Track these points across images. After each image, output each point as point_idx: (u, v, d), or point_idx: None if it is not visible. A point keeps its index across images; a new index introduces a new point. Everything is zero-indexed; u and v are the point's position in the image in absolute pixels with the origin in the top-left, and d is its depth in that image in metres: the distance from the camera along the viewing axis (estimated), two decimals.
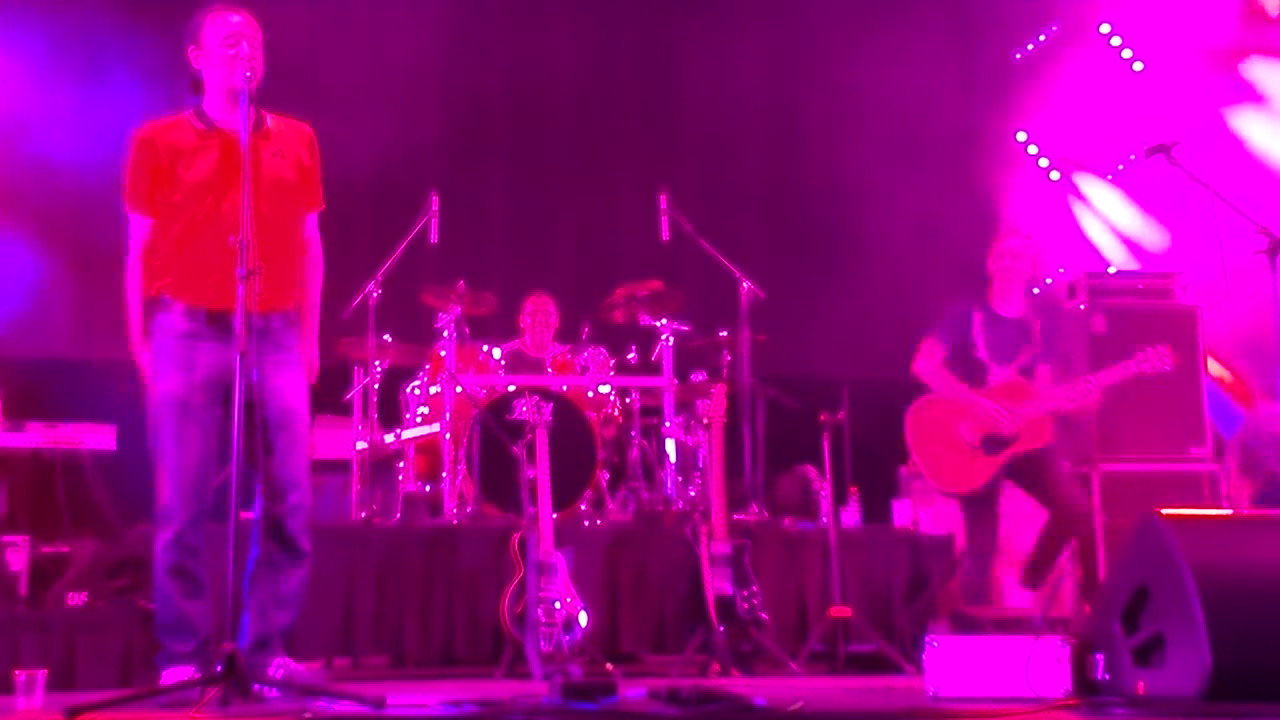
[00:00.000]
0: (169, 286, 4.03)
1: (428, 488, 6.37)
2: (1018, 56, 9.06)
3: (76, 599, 5.12)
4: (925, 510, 6.36)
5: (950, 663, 3.82)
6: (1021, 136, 9.10)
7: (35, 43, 7.63)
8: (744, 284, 6.49)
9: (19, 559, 5.83)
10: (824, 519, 5.96)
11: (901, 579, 5.78)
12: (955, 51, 8.86)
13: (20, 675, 3.64)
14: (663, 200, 6.63)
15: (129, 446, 5.49)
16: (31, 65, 7.61)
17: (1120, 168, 8.68)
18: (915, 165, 8.56)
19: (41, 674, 3.67)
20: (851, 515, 6.47)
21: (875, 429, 6.65)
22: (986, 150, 8.75)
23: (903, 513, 6.46)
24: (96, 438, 5.57)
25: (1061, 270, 8.50)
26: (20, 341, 7.24)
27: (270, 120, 4.15)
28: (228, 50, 3.98)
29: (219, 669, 3.47)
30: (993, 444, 5.43)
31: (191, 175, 4.01)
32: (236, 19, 4.05)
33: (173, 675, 3.90)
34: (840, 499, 6.23)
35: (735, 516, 5.71)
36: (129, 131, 4.10)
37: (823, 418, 5.61)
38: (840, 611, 5.25)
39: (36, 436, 5.47)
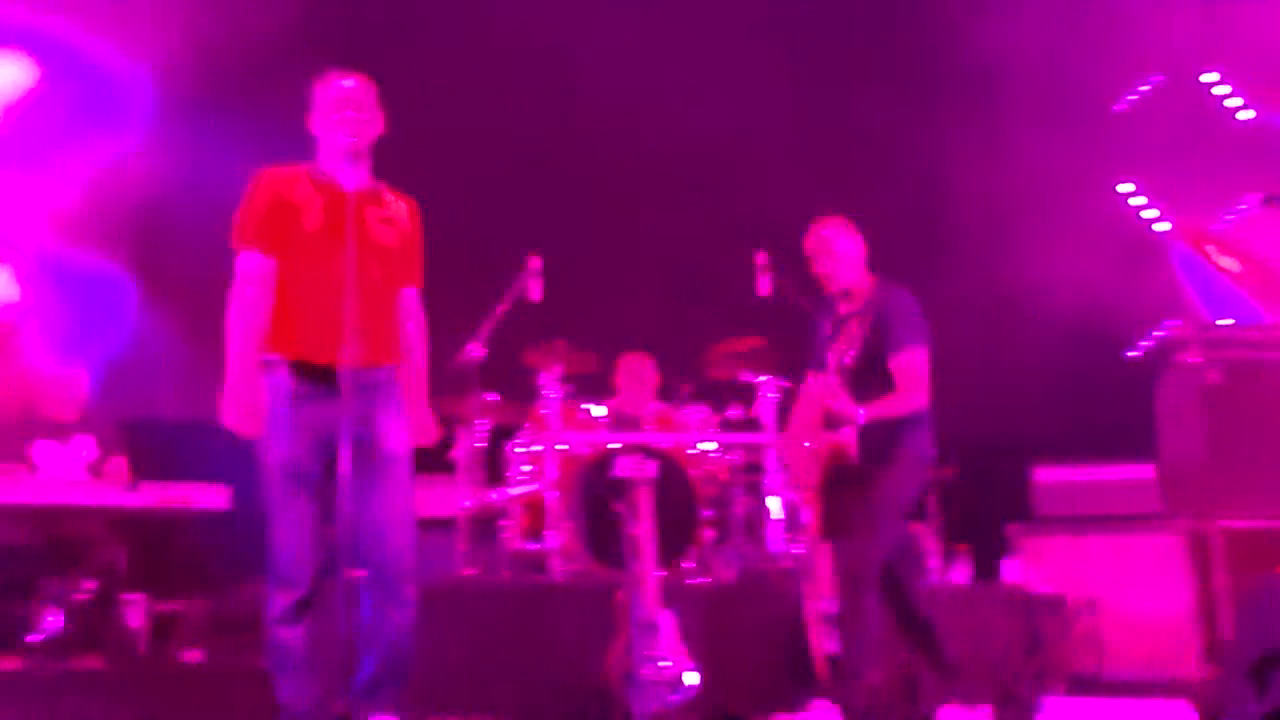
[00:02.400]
0: (275, 342, 4.08)
1: (532, 545, 6.39)
2: (1119, 108, 8.94)
3: (192, 656, 5.20)
4: (1036, 568, 6.22)
5: None
6: (1126, 188, 8.95)
7: (152, 107, 7.83)
8: None
9: (137, 616, 5.95)
10: (932, 577, 5.87)
11: (1014, 638, 5.66)
12: (1054, 104, 8.76)
13: None
14: (760, 258, 6.63)
15: (241, 506, 5.58)
16: (147, 130, 7.82)
17: (1229, 218, 8.50)
18: (1016, 220, 8.46)
19: None
20: (960, 573, 6.36)
21: (983, 486, 6.56)
22: (1088, 203, 8.63)
23: (1013, 571, 6.33)
24: (210, 497, 5.67)
25: (1173, 323, 8.31)
26: (138, 405, 7.42)
27: (383, 190, 4.27)
28: (334, 115, 4.11)
29: None
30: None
31: (300, 229, 4.09)
32: (347, 83, 4.16)
33: None
34: (949, 557, 6.13)
35: None
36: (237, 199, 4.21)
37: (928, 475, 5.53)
38: None
39: (153, 496, 5.59)
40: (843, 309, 4.94)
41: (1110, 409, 8.04)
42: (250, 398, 3.99)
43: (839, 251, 4.92)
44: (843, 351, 4.66)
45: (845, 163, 8.89)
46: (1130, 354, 8.54)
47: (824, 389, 4.61)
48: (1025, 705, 5.15)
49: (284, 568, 3.97)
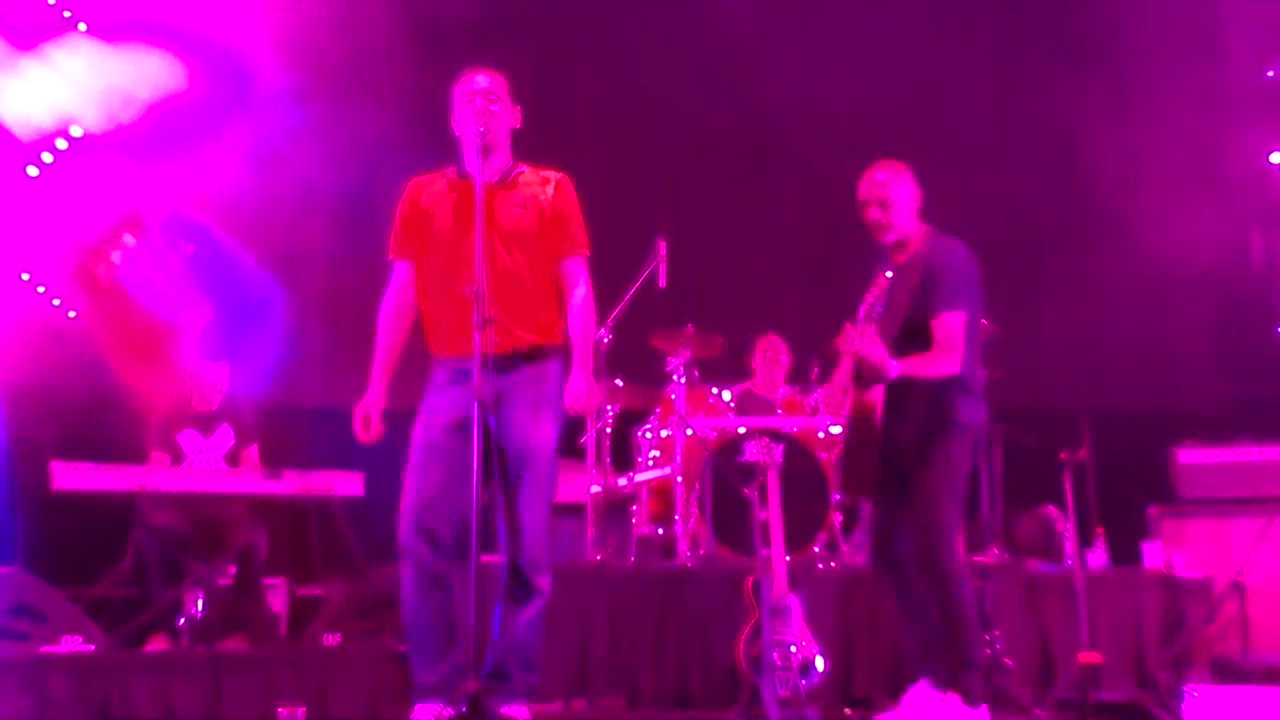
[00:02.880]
0: (426, 338, 4.23)
1: (661, 530, 6.42)
2: (1270, 74, 8.58)
3: (331, 639, 5.35)
4: (1179, 552, 6.04)
5: (1212, 715, 3.62)
6: (1277, 158, 8.59)
7: (292, 93, 8.00)
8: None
9: (279, 600, 6.15)
10: (1069, 561, 5.74)
11: (1155, 624, 5.51)
12: (1200, 70, 8.46)
13: (283, 711, 3.84)
14: None
15: (376, 492, 5.71)
16: (287, 129, 8.01)
17: None
18: (1153, 188, 8.21)
19: (301, 711, 3.85)
20: (1098, 557, 6.20)
21: (1120, 465, 6.37)
22: (1234, 172, 8.33)
23: (1154, 554, 6.16)
24: (346, 484, 5.81)
25: None
26: (277, 393, 7.65)
27: (522, 171, 4.28)
28: (465, 108, 4.17)
29: (463, 709, 3.56)
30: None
31: (435, 225, 4.20)
32: (479, 78, 4.22)
33: (422, 712, 4.01)
34: (1085, 540, 5.99)
35: (974, 558, 5.55)
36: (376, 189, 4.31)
37: (1063, 455, 5.41)
38: (1089, 657, 5.03)
39: (292, 484, 5.75)
40: (900, 259, 4.57)
41: (1257, 385, 7.77)
42: (365, 409, 4.16)
43: (894, 199, 4.53)
44: (872, 304, 4.36)
45: (982, 137, 8.72)
46: None
47: (859, 337, 4.26)
48: (1166, 691, 5.02)
49: (400, 537, 4.07)
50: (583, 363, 4.23)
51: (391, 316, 4.27)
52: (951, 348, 4.31)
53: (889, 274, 4.43)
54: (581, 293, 4.29)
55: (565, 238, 4.29)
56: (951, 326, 4.32)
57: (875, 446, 4.38)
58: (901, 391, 4.33)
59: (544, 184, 4.28)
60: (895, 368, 4.25)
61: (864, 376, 4.35)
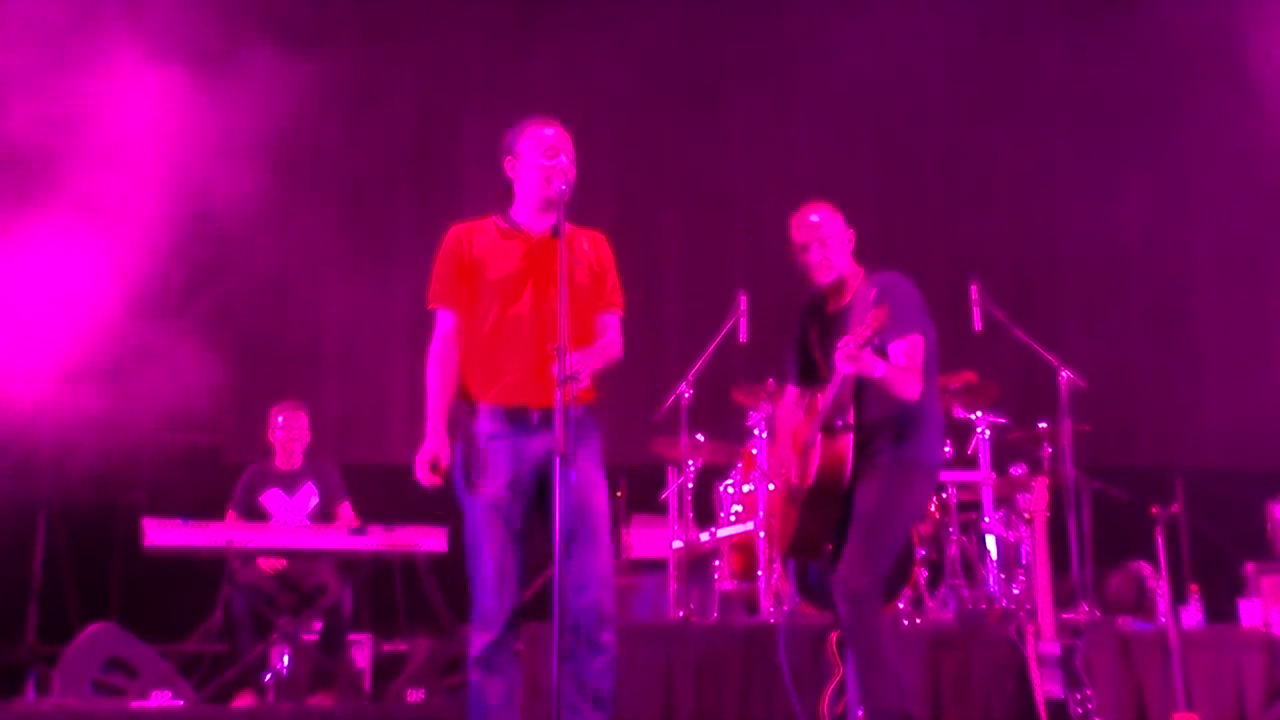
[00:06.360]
0: (472, 388, 4.14)
1: (744, 586, 6.38)
2: None
3: (415, 695, 5.36)
4: (1277, 610, 5.88)
5: None
6: None
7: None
8: (1063, 372, 6.27)
9: (363, 656, 6.19)
10: (1162, 618, 5.61)
11: (1257, 685, 5.36)
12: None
13: None
14: (974, 290, 6.51)
15: (460, 548, 5.74)
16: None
17: None
18: (1249, 242, 8.08)
19: None
20: (1193, 615, 6.06)
21: (1215, 522, 6.22)
22: None
23: (1252, 612, 6.00)
24: (430, 540, 5.84)
25: None
26: (362, 450, 7.75)
27: (567, 228, 4.22)
28: (545, 161, 4.14)
29: None
30: (791, 498, 4.44)
31: (492, 275, 4.15)
32: (552, 132, 4.20)
33: None
34: (1179, 597, 5.86)
35: (1064, 615, 5.45)
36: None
37: (1155, 510, 5.31)
38: (1186, 718, 4.91)
39: (377, 540, 5.80)
40: (830, 307, 4.53)
41: None
42: (433, 453, 4.07)
43: (831, 236, 4.49)
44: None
45: (1055, 186, 8.65)
46: None
47: (858, 350, 4.04)
48: None
49: (482, 609, 4.02)
50: (592, 357, 4.07)
51: (443, 364, 4.17)
52: (914, 369, 4.21)
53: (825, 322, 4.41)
54: (612, 338, 4.23)
55: (609, 293, 4.28)
56: (913, 349, 4.22)
57: (836, 505, 4.29)
58: (867, 432, 4.25)
59: (588, 240, 4.29)
60: (881, 366, 4.12)
61: (833, 426, 4.24)
